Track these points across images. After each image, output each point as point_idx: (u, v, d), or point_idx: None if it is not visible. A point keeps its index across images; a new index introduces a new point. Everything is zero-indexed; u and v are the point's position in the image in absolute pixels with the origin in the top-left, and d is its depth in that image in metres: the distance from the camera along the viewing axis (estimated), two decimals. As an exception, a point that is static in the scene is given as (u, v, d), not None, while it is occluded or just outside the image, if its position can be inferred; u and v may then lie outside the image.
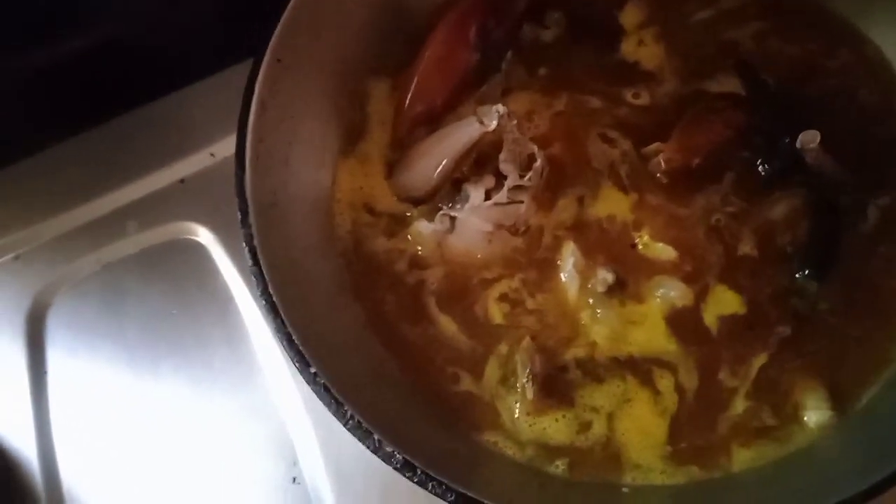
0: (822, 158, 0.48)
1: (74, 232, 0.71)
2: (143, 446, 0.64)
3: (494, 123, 0.49)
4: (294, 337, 0.43)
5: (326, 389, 0.42)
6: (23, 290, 0.70)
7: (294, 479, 0.61)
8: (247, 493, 0.61)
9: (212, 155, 0.71)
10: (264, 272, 0.44)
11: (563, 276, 0.50)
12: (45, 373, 0.67)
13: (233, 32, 0.73)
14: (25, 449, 0.65)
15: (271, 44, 0.49)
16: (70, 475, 0.64)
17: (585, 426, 0.46)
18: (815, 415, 0.44)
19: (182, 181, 0.71)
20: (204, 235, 0.69)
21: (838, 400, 0.44)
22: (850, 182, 0.49)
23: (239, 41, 0.73)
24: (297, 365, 0.43)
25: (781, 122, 0.49)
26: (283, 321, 0.43)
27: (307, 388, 0.60)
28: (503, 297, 0.51)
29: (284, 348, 0.43)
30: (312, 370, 0.42)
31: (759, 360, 0.46)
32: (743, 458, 0.44)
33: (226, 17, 0.73)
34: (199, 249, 0.69)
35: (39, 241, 0.71)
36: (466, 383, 0.48)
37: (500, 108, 0.49)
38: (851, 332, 0.46)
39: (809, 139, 0.48)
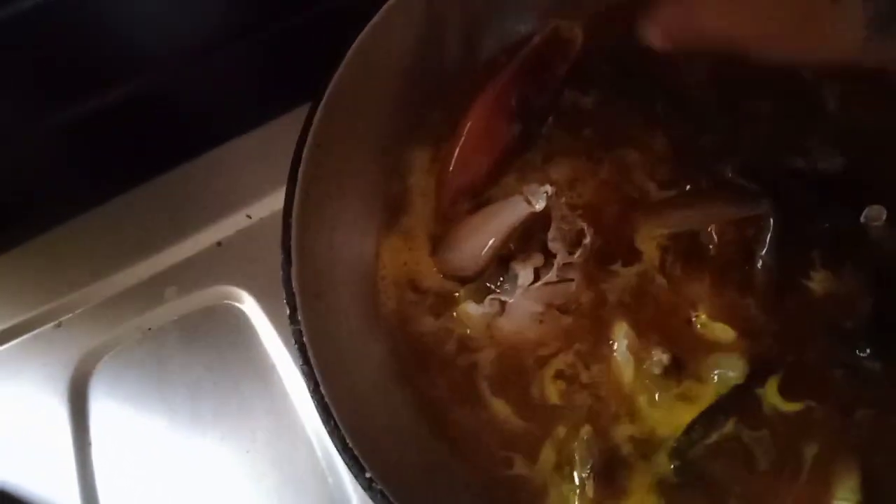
0: (888, 234, 0.46)
1: (115, 298, 0.71)
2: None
3: (542, 204, 0.48)
4: (348, 440, 0.42)
5: (383, 496, 0.41)
6: (65, 357, 0.70)
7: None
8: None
9: (248, 216, 0.71)
10: (316, 372, 0.43)
11: (616, 357, 0.48)
12: (88, 442, 0.67)
13: (266, 90, 0.73)
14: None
15: (312, 130, 0.48)
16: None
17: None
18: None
19: (219, 244, 0.71)
20: (244, 300, 0.68)
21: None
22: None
23: (272, 99, 0.73)
24: (352, 470, 0.42)
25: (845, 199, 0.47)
26: (336, 423, 0.42)
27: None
28: (559, 374, 0.49)
29: (339, 452, 0.43)
30: (368, 475, 0.42)
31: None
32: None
33: (259, 75, 0.72)
34: (240, 314, 0.68)
35: (80, 309, 0.71)
36: (520, 466, 0.47)
37: (549, 188, 0.48)
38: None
39: (875, 215, 0.46)
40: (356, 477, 0.42)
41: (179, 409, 0.67)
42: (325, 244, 0.49)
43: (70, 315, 0.71)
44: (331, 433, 0.43)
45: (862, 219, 0.46)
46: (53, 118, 0.70)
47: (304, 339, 0.44)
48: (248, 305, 0.68)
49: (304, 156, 0.47)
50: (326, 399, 0.43)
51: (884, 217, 0.46)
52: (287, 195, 0.47)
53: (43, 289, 0.72)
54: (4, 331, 0.71)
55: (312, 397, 0.44)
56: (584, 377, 0.49)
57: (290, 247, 0.46)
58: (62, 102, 0.70)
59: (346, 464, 0.42)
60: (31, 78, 0.67)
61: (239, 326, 0.68)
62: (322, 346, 0.45)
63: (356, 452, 0.42)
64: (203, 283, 0.70)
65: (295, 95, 0.66)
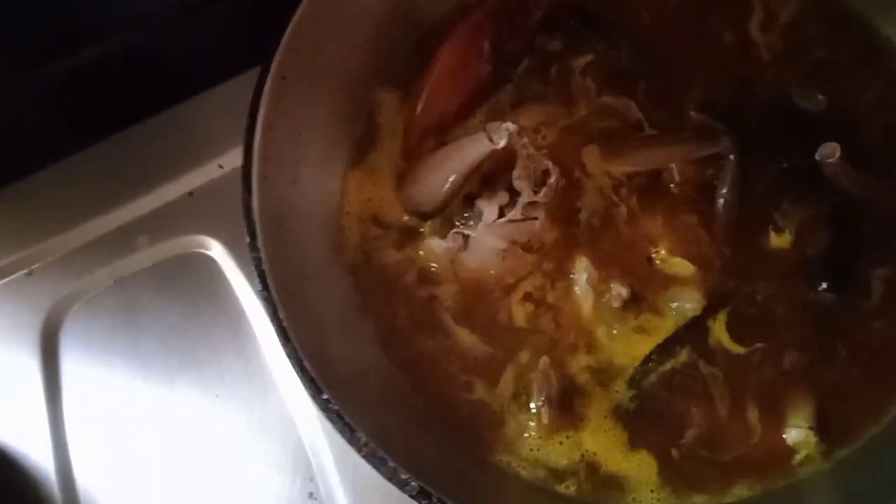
0: (842, 173, 0.46)
1: (86, 247, 0.71)
2: (159, 460, 0.64)
3: (504, 142, 0.48)
4: (305, 363, 0.42)
5: (339, 416, 0.42)
6: (36, 305, 0.70)
7: (311, 495, 0.61)
8: (260, 504, 0.61)
9: (220, 167, 0.71)
10: (274, 298, 0.44)
11: (577, 291, 0.49)
12: (59, 388, 0.67)
13: (238, 42, 0.73)
14: (43, 464, 0.65)
15: (275, 60, 0.48)
16: (87, 489, 0.65)
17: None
18: (795, 433, 0.43)
19: (191, 194, 0.71)
20: (215, 248, 0.68)
21: (826, 428, 0.43)
22: (869, 198, 0.47)
23: (245, 51, 0.72)
24: (308, 391, 0.42)
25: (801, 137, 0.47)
26: (294, 347, 0.43)
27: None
28: (527, 297, 0.50)
29: (297, 374, 0.43)
30: (325, 396, 0.42)
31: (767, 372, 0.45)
32: (737, 490, 0.43)
33: (232, 28, 0.72)
34: (211, 263, 0.68)
35: (51, 257, 0.71)
36: (479, 391, 0.48)
37: (510, 125, 0.48)
38: (858, 367, 0.45)
39: (829, 152, 0.46)
40: (313, 398, 0.42)
41: (150, 355, 0.67)
42: (288, 177, 0.49)
43: (41, 263, 0.71)
44: (289, 356, 0.43)
45: (817, 156, 0.47)
46: (26, 74, 0.69)
47: (263, 266, 0.45)
48: (219, 254, 0.68)
49: (266, 86, 0.47)
50: (284, 322, 0.43)
51: (837, 154, 0.46)
52: (248, 125, 0.47)
53: (14, 237, 0.72)
54: (-25, 279, 0.71)
55: (272, 321, 0.44)
56: (549, 304, 0.49)
57: (251, 176, 0.46)
58: (35, 59, 0.69)
59: (304, 385, 0.42)
60: (8, 33, 0.66)
61: (209, 274, 0.68)
62: (282, 275, 0.46)
63: (313, 374, 0.42)
64: (174, 231, 0.70)
65: (267, 49, 0.66)
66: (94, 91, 0.72)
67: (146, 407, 0.66)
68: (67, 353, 0.68)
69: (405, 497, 0.55)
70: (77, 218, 0.72)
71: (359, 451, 0.41)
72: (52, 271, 0.71)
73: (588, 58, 0.54)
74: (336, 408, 0.42)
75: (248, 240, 0.46)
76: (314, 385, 0.42)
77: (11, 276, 0.71)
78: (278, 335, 0.44)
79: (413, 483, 0.40)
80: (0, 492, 0.66)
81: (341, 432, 0.42)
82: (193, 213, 0.70)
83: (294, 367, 0.43)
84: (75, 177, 0.73)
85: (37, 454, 0.66)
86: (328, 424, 0.60)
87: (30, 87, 0.70)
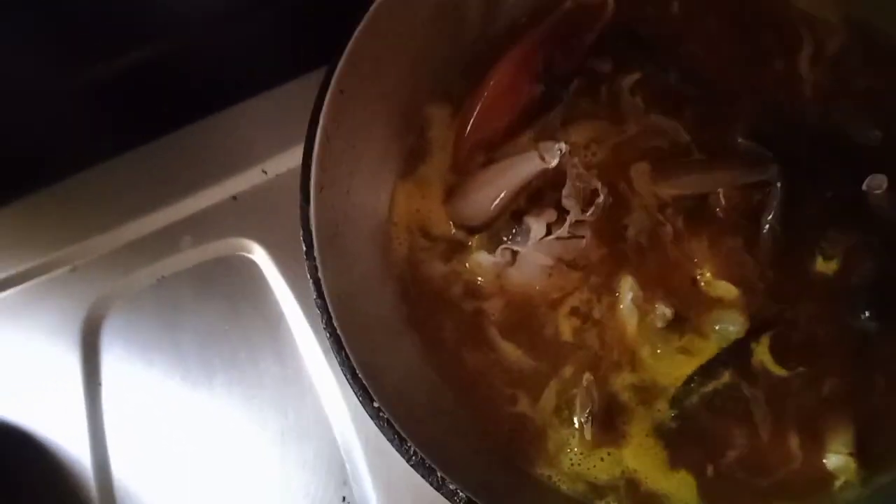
0: (889, 205, 0.47)
1: (130, 246, 0.72)
2: (195, 459, 0.65)
3: (556, 161, 0.49)
4: (358, 371, 0.43)
5: (390, 425, 0.42)
6: (79, 301, 0.71)
7: (344, 499, 0.62)
8: (293, 507, 0.62)
9: (264, 172, 0.72)
10: (329, 306, 0.45)
11: (621, 309, 0.50)
12: (99, 384, 0.68)
13: (285, 51, 0.74)
14: (80, 457, 0.67)
15: (335, 75, 0.49)
16: (123, 484, 0.66)
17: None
18: (835, 458, 0.44)
19: (235, 198, 0.72)
20: (257, 252, 0.70)
21: (866, 455, 0.44)
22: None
23: (291, 59, 0.74)
24: (360, 399, 0.43)
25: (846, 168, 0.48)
26: (347, 355, 0.44)
27: (357, 408, 0.62)
28: (574, 312, 0.51)
29: (349, 382, 0.44)
30: (376, 405, 0.43)
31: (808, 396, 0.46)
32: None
33: (279, 36, 0.74)
34: (252, 266, 0.70)
35: (95, 254, 0.73)
36: (523, 405, 0.49)
37: (563, 145, 0.49)
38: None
39: (877, 184, 0.47)
40: (364, 406, 0.43)
41: (189, 355, 0.68)
42: (343, 188, 0.51)
43: (85, 260, 0.73)
44: (341, 364, 0.44)
45: (864, 187, 0.48)
46: (78, 74, 0.71)
47: (319, 274, 0.46)
48: (261, 257, 0.69)
49: (326, 100, 0.48)
50: (339, 331, 0.44)
51: (885, 186, 0.47)
52: (308, 137, 0.48)
53: (60, 233, 0.74)
54: (20, 273, 0.72)
55: (325, 330, 0.45)
56: (595, 320, 0.50)
57: (308, 187, 0.47)
58: (86, 60, 0.71)
59: (356, 393, 0.43)
60: (59, 35, 0.68)
61: (251, 277, 0.70)
62: (335, 284, 0.47)
63: (365, 382, 0.43)
64: (217, 234, 0.71)
65: (314, 58, 0.68)
66: (144, 93, 0.73)
67: (184, 405, 0.67)
68: (108, 349, 0.70)
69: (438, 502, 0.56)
70: (121, 217, 0.73)
71: (408, 460, 0.42)
72: (96, 268, 0.72)
73: (636, 76, 0.55)
74: (387, 416, 0.43)
75: (304, 248, 0.47)
76: (366, 393, 0.43)
77: (55, 272, 0.73)
78: (331, 343, 0.45)
79: (462, 493, 0.41)
80: (37, 483, 0.67)
81: (391, 441, 0.43)
82: (237, 217, 0.71)
83: (346, 376, 0.44)
84: (121, 176, 0.75)
85: (74, 447, 0.67)
86: (363, 429, 0.62)
87: (80, 87, 0.72)
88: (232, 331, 0.68)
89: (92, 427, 0.68)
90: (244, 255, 0.70)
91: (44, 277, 0.73)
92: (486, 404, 0.49)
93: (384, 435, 0.43)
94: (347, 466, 0.62)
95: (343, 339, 0.44)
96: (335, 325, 0.45)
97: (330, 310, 0.45)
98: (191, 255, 0.71)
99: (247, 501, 0.63)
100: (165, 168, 0.74)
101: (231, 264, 0.70)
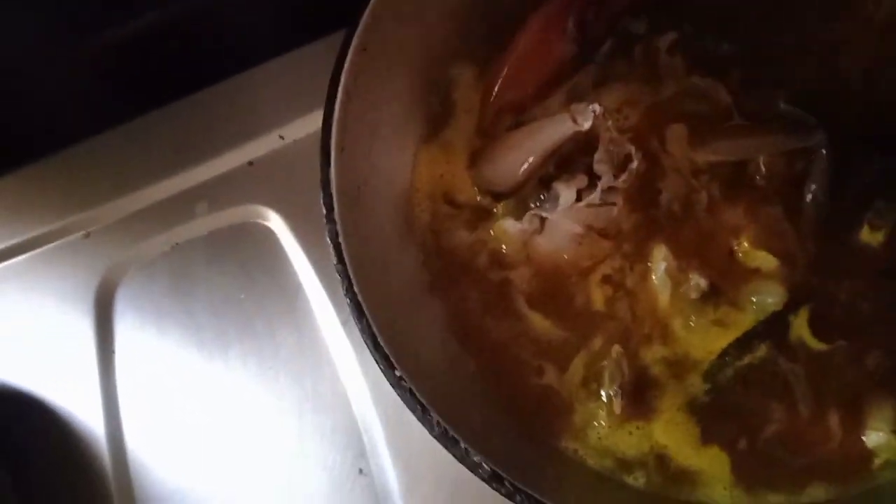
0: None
1: (144, 211, 0.71)
2: (209, 429, 0.64)
3: (588, 123, 0.47)
4: (379, 339, 0.42)
5: (412, 394, 0.41)
6: (93, 267, 0.70)
7: (360, 471, 0.60)
8: (313, 482, 0.61)
9: (281, 137, 0.70)
10: (349, 271, 0.43)
11: (654, 280, 0.48)
12: (112, 351, 0.68)
13: (302, 14, 0.72)
14: (93, 426, 0.66)
15: (357, 32, 0.47)
16: (137, 454, 0.65)
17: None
18: (875, 436, 0.42)
19: (251, 163, 0.70)
20: (273, 219, 0.68)
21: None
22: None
23: (308, 22, 0.72)
24: (381, 368, 0.42)
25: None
26: (368, 322, 0.42)
27: (375, 379, 0.61)
28: (606, 279, 0.49)
29: (370, 350, 0.42)
30: (398, 373, 0.41)
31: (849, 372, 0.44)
32: (813, 492, 0.43)
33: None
34: (268, 233, 0.68)
35: (110, 220, 0.72)
36: (549, 376, 0.47)
37: (596, 107, 0.47)
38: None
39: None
40: (385, 374, 0.42)
41: (204, 323, 0.67)
42: (364, 150, 0.49)
43: (99, 226, 0.72)
44: (362, 331, 0.42)
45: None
46: (91, 38, 0.69)
47: (340, 239, 0.44)
48: (277, 224, 0.68)
49: (348, 57, 0.46)
50: (360, 297, 0.42)
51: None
52: (329, 96, 0.46)
53: (74, 199, 0.73)
54: (33, 238, 0.71)
55: (346, 295, 0.43)
56: (627, 289, 0.48)
57: (329, 147, 0.46)
58: (100, 22, 0.69)
59: (377, 361, 0.42)
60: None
61: (267, 245, 0.68)
62: (356, 250, 0.45)
63: (387, 350, 0.41)
64: (233, 200, 0.70)
65: (332, 21, 0.66)
66: (158, 56, 0.72)
67: (198, 375, 0.66)
68: (122, 315, 0.69)
69: (458, 476, 0.55)
70: (136, 183, 0.72)
71: (431, 430, 0.41)
72: (110, 234, 0.71)
73: (673, 36, 0.52)
74: (409, 385, 0.41)
75: (324, 211, 0.45)
76: (388, 361, 0.41)
77: (69, 238, 0.72)
78: (352, 310, 0.43)
79: (486, 466, 0.39)
80: (48, 451, 0.67)
81: (413, 411, 0.41)
82: (253, 183, 0.70)
83: (367, 344, 0.42)
84: (136, 142, 0.73)
85: (87, 415, 0.66)
86: (382, 401, 0.60)
87: (94, 51, 0.71)
88: (247, 299, 0.67)
89: (105, 395, 0.67)
90: (260, 223, 0.69)
91: (57, 243, 0.72)
92: (511, 376, 0.47)
93: (406, 404, 0.41)
94: (365, 438, 0.61)
95: (364, 306, 0.42)
96: (356, 291, 0.43)
97: (350, 275, 0.43)
98: (206, 222, 0.70)
99: (262, 472, 0.62)
100: (180, 133, 0.73)
101: (247, 231, 0.69)
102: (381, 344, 0.42)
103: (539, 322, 0.48)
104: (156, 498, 0.63)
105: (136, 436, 0.65)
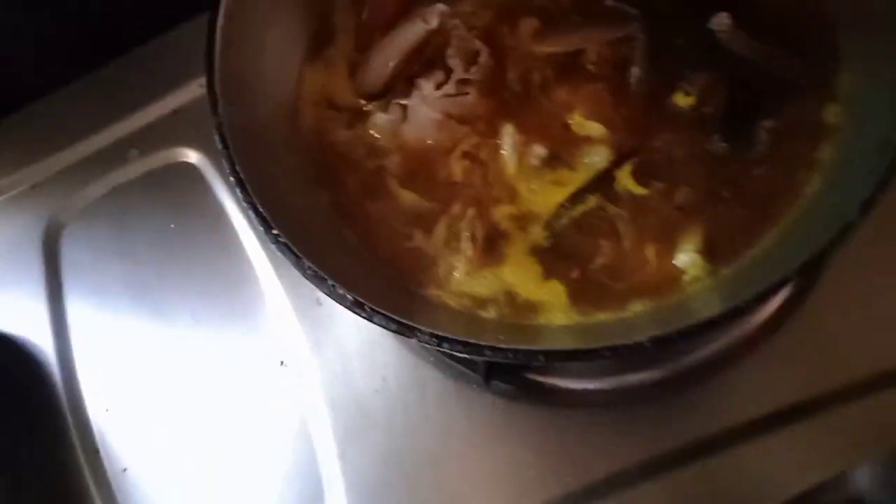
0: (736, 41, 0.52)
1: (83, 161, 0.79)
2: (151, 343, 0.71)
3: (435, 21, 0.55)
4: (259, 207, 0.49)
5: (287, 247, 0.48)
6: (39, 214, 0.78)
7: (282, 363, 0.67)
8: (237, 376, 0.68)
9: (200, 86, 0.78)
10: (232, 154, 0.50)
11: (503, 153, 0.55)
12: (60, 284, 0.75)
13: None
14: (45, 349, 0.73)
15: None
16: (86, 373, 0.72)
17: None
18: (684, 257, 0.49)
19: (175, 112, 0.78)
20: (195, 158, 0.76)
21: (712, 253, 0.50)
22: (763, 64, 0.54)
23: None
24: (261, 227, 0.49)
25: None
26: (248, 193, 0.49)
27: (293, 288, 0.68)
28: (465, 155, 0.56)
29: (252, 216, 0.49)
30: (275, 231, 0.48)
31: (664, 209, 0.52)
32: (634, 308, 0.50)
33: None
34: (193, 171, 0.76)
35: (52, 171, 0.79)
36: (418, 240, 0.54)
37: (441, 7, 0.55)
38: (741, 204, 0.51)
39: (719, 21, 0.53)
40: (266, 233, 0.48)
41: (142, 254, 0.74)
42: (249, 62, 0.56)
43: (42, 178, 0.79)
44: (244, 201, 0.49)
45: (710, 25, 0.53)
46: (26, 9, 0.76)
47: (224, 130, 0.51)
48: (200, 161, 0.76)
49: (227, -15, 0.54)
50: (241, 174, 0.50)
51: (727, 23, 0.52)
52: (210, 21, 0.54)
53: (18, 155, 0.80)
54: (-18, 193, 0.78)
55: (231, 175, 0.50)
56: (481, 161, 0.56)
57: (213, 53, 0.53)
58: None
59: (258, 223, 0.49)
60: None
61: (193, 181, 0.76)
62: (241, 141, 0.52)
63: (265, 215, 0.49)
64: (161, 145, 0.78)
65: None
66: (87, 24, 0.79)
67: (139, 297, 0.73)
68: (68, 254, 0.76)
69: (375, 359, 0.62)
70: (75, 137, 0.80)
71: (303, 273, 0.47)
72: (54, 184, 0.79)
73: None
74: (284, 240, 0.48)
75: (209, 107, 0.52)
76: (265, 221, 0.48)
77: (16, 190, 0.79)
78: (236, 185, 0.50)
79: (349, 296, 0.46)
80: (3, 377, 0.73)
81: (289, 260, 0.48)
82: (178, 129, 0.78)
83: (249, 210, 0.49)
84: (73, 101, 0.81)
85: (39, 341, 0.73)
86: (301, 305, 0.67)
87: (26, 25, 0.78)
88: (178, 229, 0.74)
89: (55, 323, 0.74)
90: (185, 162, 0.76)
91: (6, 196, 0.79)
92: (386, 243, 0.55)
93: (284, 256, 0.48)
94: (283, 337, 0.68)
95: (245, 180, 0.50)
96: (237, 168, 0.50)
97: (232, 156, 0.50)
98: (138, 166, 0.78)
99: (192, 376, 0.69)
100: (112, 91, 0.81)
101: (175, 171, 0.77)
102: (261, 210, 0.49)
103: (409, 197, 0.56)
104: (108, 410, 0.70)
105: (85, 357, 0.72)
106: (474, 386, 0.62)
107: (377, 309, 0.46)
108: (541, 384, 0.62)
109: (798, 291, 0.60)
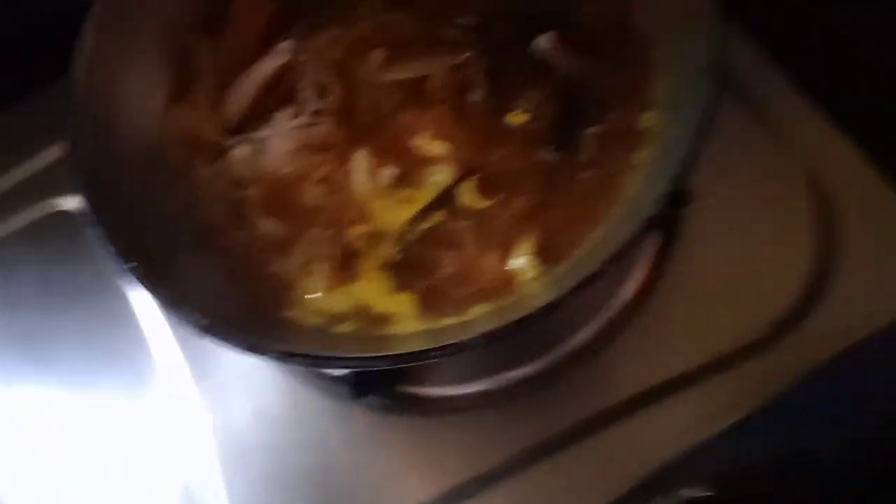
0: (560, 59, 0.57)
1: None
2: (34, 387, 0.72)
3: (284, 58, 0.59)
4: (111, 238, 0.51)
5: (142, 277, 0.50)
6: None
7: (168, 396, 0.69)
8: (122, 415, 0.69)
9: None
10: (90, 195, 0.53)
11: (355, 177, 0.59)
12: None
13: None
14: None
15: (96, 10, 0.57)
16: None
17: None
18: (518, 261, 0.53)
19: (60, 160, 0.80)
20: (73, 205, 0.78)
21: (544, 255, 0.54)
22: (586, 79, 0.59)
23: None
24: (117, 260, 0.51)
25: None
26: (105, 227, 0.51)
27: (177, 322, 0.69)
28: (320, 181, 0.59)
29: (107, 250, 0.51)
30: (129, 263, 0.51)
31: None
32: (476, 311, 0.54)
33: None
34: (72, 217, 0.78)
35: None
36: (277, 265, 0.57)
37: (288, 42, 0.59)
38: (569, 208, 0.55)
39: (545, 44, 0.58)
40: (120, 266, 0.51)
41: (26, 304, 0.76)
42: (109, 108, 0.59)
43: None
44: (101, 236, 0.51)
45: (536, 47, 0.58)
46: None
47: (82, 173, 0.54)
48: (78, 208, 0.77)
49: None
50: (99, 214, 0.52)
51: (552, 44, 0.57)
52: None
53: None
54: None
55: (90, 213, 0.52)
56: (334, 187, 0.59)
57: (75, 103, 0.56)
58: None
59: (111, 255, 0.51)
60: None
61: (71, 228, 0.78)
62: (100, 183, 0.55)
63: (120, 248, 0.51)
64: (42, 195, 0.80)
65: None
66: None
67: (23, 346, 0.74)
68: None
69: (254, 386, 0.64)
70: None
71: (157, 300, 0.50)
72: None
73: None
74: (138, 271, 0.50)
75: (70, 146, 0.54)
76: (120, 254, 0.51)
77: None
78: (95, 224, 0.52)
79: (202, 321, 0.48)
80: None
81: (146, 289, 0.50)
82: (59, 178, 0.79)
83: (106, 245, 0.51)
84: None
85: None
86: (186, 339, 0.69)
87: None
88: (59, 277, 0.76)
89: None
90: (65, 210, 0.78)
91: None
92: (248, 270, 0.57)
93: (141, 283, 0.50)
94: (169, 371, 0.69)
95: (100, 213, 0.52)
96: (95, 209, 0.52)
97: (90, 196, 0.53)
98: (21, 218, 0.79)
99: (80, 421, 0.70)
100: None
101: (56, 220, 0.79)
102: (117, 244, 0.51)
103: (269, 224, 0.58)
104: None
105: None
106: (349, 403, 0.64)
107: (229, 332, 0.49)
108: (415, 395, 0.65)
109: (654, 274, 0.65)
